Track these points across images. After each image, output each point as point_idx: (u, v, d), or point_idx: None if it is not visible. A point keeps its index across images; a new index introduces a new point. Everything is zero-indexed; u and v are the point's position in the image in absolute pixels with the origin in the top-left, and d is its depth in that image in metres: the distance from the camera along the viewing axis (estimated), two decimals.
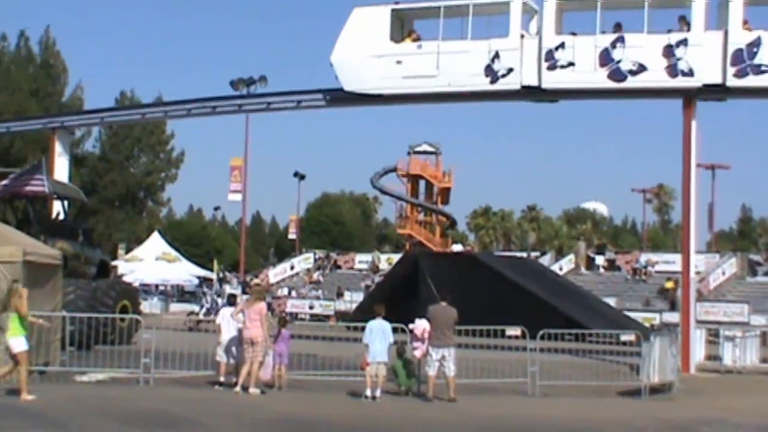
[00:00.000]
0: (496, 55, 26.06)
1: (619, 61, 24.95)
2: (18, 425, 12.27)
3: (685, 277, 25.63)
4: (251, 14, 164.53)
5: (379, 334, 16.39)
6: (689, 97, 25.17)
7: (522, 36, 26.12)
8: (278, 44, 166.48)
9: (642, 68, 24.84)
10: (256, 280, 44.10)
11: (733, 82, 24.22)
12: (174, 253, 58.44)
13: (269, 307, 29.79)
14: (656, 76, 24.85)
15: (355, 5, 28.16)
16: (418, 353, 17.30)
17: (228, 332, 17.14)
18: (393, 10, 27.50)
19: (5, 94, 59.38)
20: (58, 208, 27.80)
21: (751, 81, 24.17)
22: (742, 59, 24.05)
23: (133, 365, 17.23)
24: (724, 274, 45.87)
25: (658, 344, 19.25)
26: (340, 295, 49.06)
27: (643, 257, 50.04)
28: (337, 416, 14.44)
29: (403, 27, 27.90)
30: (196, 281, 58.87)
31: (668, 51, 24.65)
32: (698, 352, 25.27)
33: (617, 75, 25.06)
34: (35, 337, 16.88)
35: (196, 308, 39.14)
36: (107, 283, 25.45)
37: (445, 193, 69.73)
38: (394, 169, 69.55)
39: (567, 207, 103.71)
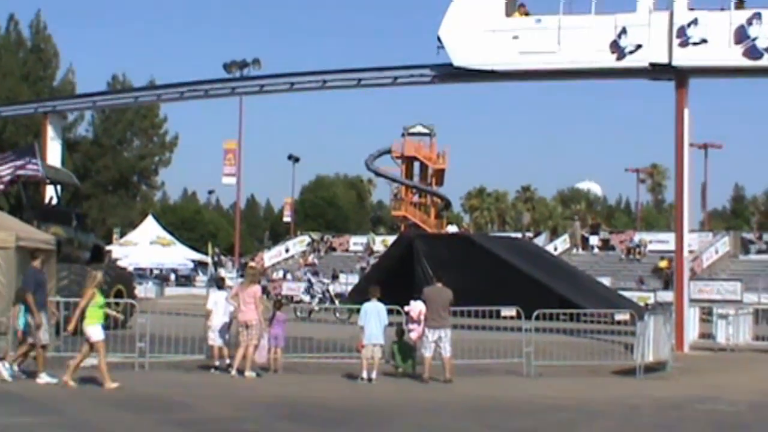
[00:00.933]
0: (623, 31, 25.07)
1: (755, 39, 24.03)
2: (11, 411, 12.26)
3: (679, 256, 25.69)
4: None
5: (374, 315, 16.41)
6: (682, 76, 25.13)
7: (650, 11, 25.07)
8: (271, 27, 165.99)
9: None
10: (251, 263, 44.05)
11: None
12: (168, 237, 58.45)
13: (264, 290, 29.76)
14: None
15: None
16: (414, 335, 17.35)
17: (218, 316, 17.09)
18: None
19: None
20: (51, 192, 27.69)
21: None
22: None
23: (128, 350, 17.23)
24: (717, 252, 46.04)
25: (652, 323, 19.32)
26: (335, 277, 49.11)
27: (637, 237, 50.16)
28: (333, 398, 14.48)
29: (514, 1, 26.91)
30: (191, 265, 58.91)
31: None
32: (692, 330, 25.38)
33: (753, 53, 24.11)
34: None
35: (195, 291, 38.90)
36: (101, 268, 25.38)
37: (440, 174, 69.74)
38: (389, 151, 69.52)
39: (561, 187, 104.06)
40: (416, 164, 69.95)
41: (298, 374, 17.23)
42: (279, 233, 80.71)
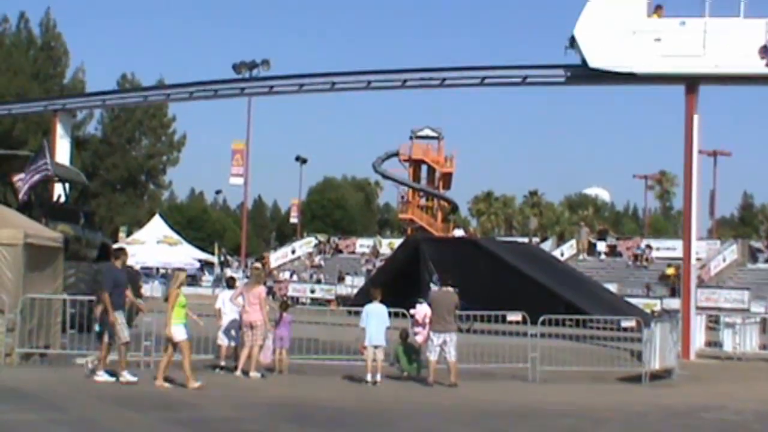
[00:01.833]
0: None
1: None
2: (15, 408, 12.28)
3: (686, 264, 25.60)
4: None
5: (375, 317, 16.39)
6: (691, 83, 25.04)
7: None
8: (281, 27, 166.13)
9: None
10: (256, 264, 44.09)
11: None
12: (175, 236, 58.52)
13: (270, 291, 29.76)
14: None
15: None
16: (419, 338, 17.33)
17: (228, 315, 17.15)
18: None
19: (6, 77, 59.35)
20: (59, 190, 27.75)
21: None
22: None
23: (134, 348, 17.21)
24: (724, 260, 45.85)
25: (658, 330, 19.24)
26: (341, 279, 49.10)
27: (644, 243, 50.05)
28: (337, 400, 14.46)
29: (652, 2, 25.83)
30: (198, 264, 58.95)
31: None
32: (698, 338, 25.28)
33: None
34: (36, 320, 16.94)
35: (201, 291, 38.89)
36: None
37: (447, 178, 69.72)
38: (396, 154, 69.51)
39: (569, 192, 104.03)
40: (424, 167, 69.94)
41: (303, 375, 17.21)
42: (286, 234, 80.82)
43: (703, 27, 24.66)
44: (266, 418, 12.54)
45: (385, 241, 57.57)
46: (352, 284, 46.31)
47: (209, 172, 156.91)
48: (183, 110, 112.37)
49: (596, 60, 25.44)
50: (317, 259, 55.90)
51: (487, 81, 29.00)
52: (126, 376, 14.94)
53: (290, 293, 46.59)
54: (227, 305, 17.15)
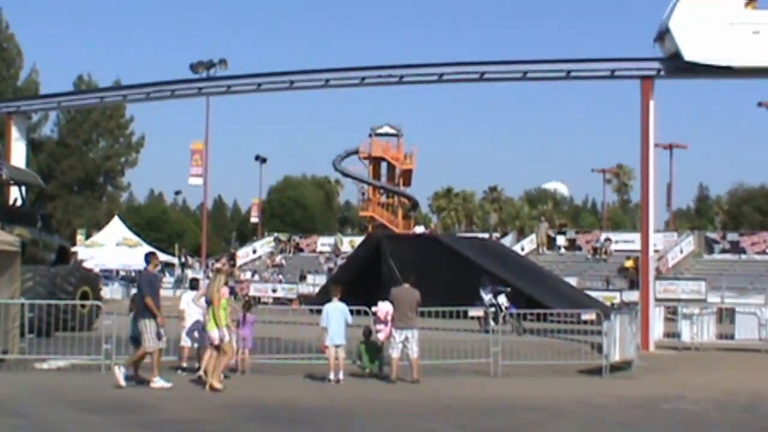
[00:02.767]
0: None
1: None
2: None
3: (644, 256, 25.93)
4: None
5: (335, 316, 16.39)
6: (646, 77, 25.33)
7: None
8: (238, 27, 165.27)
9: None
10: (217, 265, 43.86)
11: None
12: (135, 238, 58.03)
13: (232, 291, 29.56)
14: None
15: None
16: (381, 335, 17.34)
17: (191, 317, 17.05)
18: None
19: None
20: (15, 194, 27.39)
21: None
22: None
23: (95, 352, 17.09)
24: (681, 252, 46.48)
25: (618, 323, 19.48)
26: (302, 278, 48.99)
27: (603, 236, 50.55)
28: (301, 399, 14.47)
29: None
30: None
31: None
32: (657, 329, 25.64)
33: None
34: None
35: (162, 293, 38.50)
36: (67, 270, 25.15)
37: (407, 174, 69.86)
38: (356, 152, 69.52)
39: (528, 187, 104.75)
40: (384, 165, 70.02)
41: (266, 375, 17.18)
42: (246, 234, 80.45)
43: None
44: (229, 419, 12.51)
45: (346, 239, 57.52)
46: (314, 283, 46.20)
47: (168, 173, 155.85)
48: (141, 111, 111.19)
49: (692, 53, 24.81)
50: (278, 259, 55.74)
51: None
52: (159, 382, 14.96)
53: (252, 293, 46.36)
54: (191, 306, 17.05)
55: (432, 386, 16.09)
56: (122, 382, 14.81)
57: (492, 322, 19.91)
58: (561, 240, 51.21)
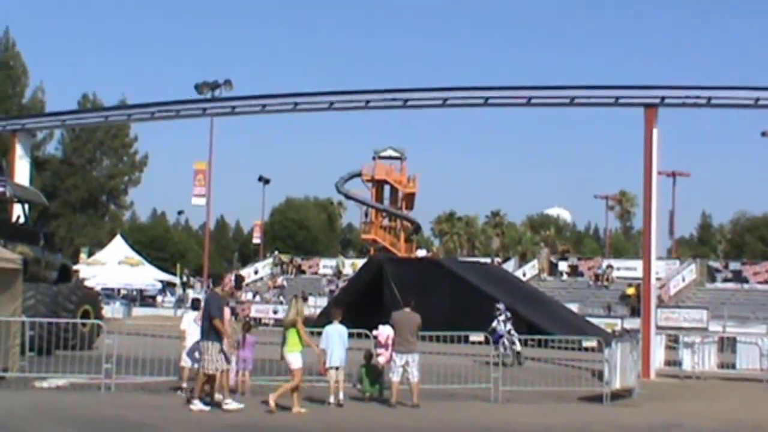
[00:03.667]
0: None
1: None
2: None
3: (646, 284, 25.88)
4: (216, 17, 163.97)
5: (335, 338, 16.36)
6: (650, 105, 25.40)
7: None
8: (244, 48, 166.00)
9: None
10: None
11: None
12: (137, 257, 57.97)
13: (233, 311, 29.40)
14: None
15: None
16: (382, 359, 17.32)
17: (192, 337, 17.00)
18: None
19: None
20: (18, 211, 27.45)
21: None
22: None
23: (95, 371, 17.06)
24: (684, 280, 46.42)
25: (619, 350, 19.40)
26: (304, 299, 48.88)
27: (605, 263, 50.52)
28: (301, 422, 14.42)
29: None
30: (159, 285, 58.45)
31: None
32: (658, 357, 25.53)
33: None
34: None
35: (163, 312, 38.48)
36: (68, 288, 25.17)
37: (410, 198, 69.93)
38: (359, 174, 69.63)
39: (531, 213, 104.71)
40: (387, 188, 70.11)
41: (266, 397, 17.11)
42: (248, 255, 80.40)
43: None
44: None
45: (347, 262, 57.52)
46: (315, 305, 46.14)
47: (171, 193, 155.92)
48: (145, 130, 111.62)
49: None
50: (280, 280, 55.70)
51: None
52: (231, 404, 15.00)
53: (253, 314, 46.30)
54: (192, 326, 17.00)
55: (432, 411, 16.04)
56: (206, 408, 14.89)
57: (502, 349, 19.83)
58: (563, 266, 51.20)
